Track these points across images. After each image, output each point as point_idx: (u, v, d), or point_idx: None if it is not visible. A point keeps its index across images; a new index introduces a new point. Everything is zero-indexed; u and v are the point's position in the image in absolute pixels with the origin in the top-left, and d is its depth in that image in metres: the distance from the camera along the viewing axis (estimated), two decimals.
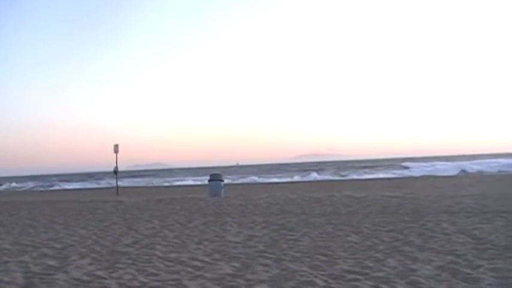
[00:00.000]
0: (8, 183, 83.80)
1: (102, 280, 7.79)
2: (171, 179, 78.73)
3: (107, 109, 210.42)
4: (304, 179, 62.23)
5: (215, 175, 27.16)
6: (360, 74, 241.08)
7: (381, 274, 7.48)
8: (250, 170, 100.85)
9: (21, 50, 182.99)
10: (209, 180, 26.97)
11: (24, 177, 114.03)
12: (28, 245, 11.70)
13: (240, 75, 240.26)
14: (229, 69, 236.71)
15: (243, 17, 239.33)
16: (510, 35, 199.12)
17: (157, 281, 7.67)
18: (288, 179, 62.55)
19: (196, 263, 8.87)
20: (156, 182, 72.71)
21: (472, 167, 60.13)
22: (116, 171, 35.31)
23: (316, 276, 7.47)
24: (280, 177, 69.02)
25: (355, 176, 62.31)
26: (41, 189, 70.20)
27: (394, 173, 63.12)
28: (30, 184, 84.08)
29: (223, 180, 27.10)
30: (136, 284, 7.53)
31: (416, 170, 63.49)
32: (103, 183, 71.32)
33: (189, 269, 8.38)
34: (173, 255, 9.81)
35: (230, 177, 61.11)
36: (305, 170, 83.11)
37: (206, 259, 9.24)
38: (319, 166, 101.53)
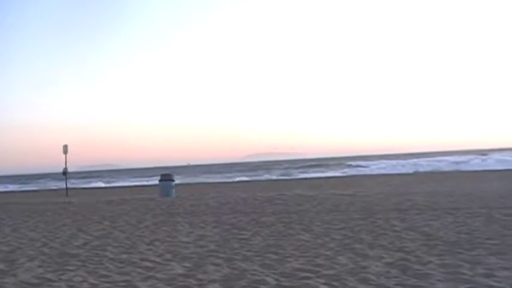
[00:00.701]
0: None
1: (52, 283, 7.68)
2: (122, 179, 78.08)
3: (56, 109, 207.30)
4: (255, 178, 62.34)
5: (166, 175, 27.08)
6: (312, 72, 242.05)
7: (331, 272, 7.53)
8: (202, 169, 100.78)
9: None
10: (160, 181, 26.85)
11: None
12: None
13: (189, 73, 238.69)
14: (178, 67, 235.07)
15: (192, 13, 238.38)
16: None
17: (108, 282, 7.59)
18: (239, 179, 62.61)
19: (147, 264, 8.81)
20: (106, 182, 71.96)
21: (423, 164, 61.12)
22: (65, 172, 34.75)
23: (267, 275, 7.49)
24: (231, 176, 69.03)
25: (306, 175, 62.59)
26: None
27: (345, 172, 63.76)
28: None
29: (174, 180, 26.99)
30: (86, 286, 7.44)
31: (368, 169, 64.27)
32: (52, 185, 70.25)
33: (140, 270, 8.31)
34: (124, 256, 9.73)
35: (181, 177, 60.89)
36: (255, 169, 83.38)
37: (157, 259, 9.19)
38: (270, 165, 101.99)
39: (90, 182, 75.24)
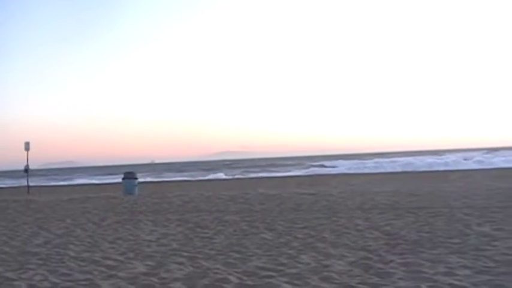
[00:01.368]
0: None
1: (12, 282, 7.56)
2: (84, 177, 77.37)
3: (17, 106, 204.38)
4: (219, 176, 62.24)
5: (129, 173, 26.93)
6: (276, 71, 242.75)
7: (294, 270, 7.57)
8: (165, 167, 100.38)
9: None
10: (123, 179, 26.69)
11: None
12: None
13: (153, 68, 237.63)
14: (141, 62, 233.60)
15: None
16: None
17: (69, 281, 7.51)
18: (203, 177, 62.42)
19: (109, 262, 8.75)
20: (68, 180, 71.17)
21: (386, 164, 61.66)
22: (26, 170, 34.32)
23: (230, 274, 7.49)
24: (194, 175, 68.80)
25: (269, 174, 62.69)
26: None
27: (308, 171, 63.98)
28: None
29: (137, 178, 26.86)
30: (47, 284, 7.35)
31: (331, 168, 64.59)
32: (13, 182, 69.20)
33: (102, 269, 8.25)
34: (86, 254, 9.65)
35: (144, 174, 60.56)
36: (220, 168, 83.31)
37: (120, 258, 9.13)
38: (233, 164, 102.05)
39: (52, 179, 74.39)
